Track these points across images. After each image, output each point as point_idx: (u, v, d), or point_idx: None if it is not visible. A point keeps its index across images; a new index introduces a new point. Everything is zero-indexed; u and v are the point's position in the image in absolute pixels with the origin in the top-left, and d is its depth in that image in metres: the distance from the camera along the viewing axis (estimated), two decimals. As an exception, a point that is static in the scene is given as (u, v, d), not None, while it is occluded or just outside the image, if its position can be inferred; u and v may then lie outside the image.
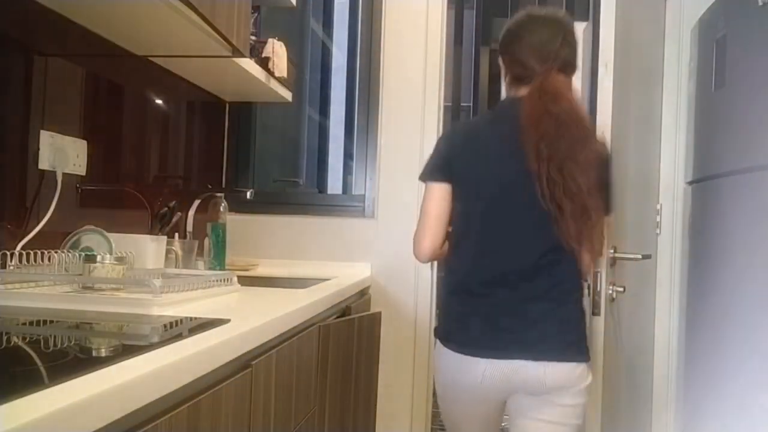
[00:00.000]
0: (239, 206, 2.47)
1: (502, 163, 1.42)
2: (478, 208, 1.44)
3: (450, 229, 1.51)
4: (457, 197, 1.47)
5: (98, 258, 1.29)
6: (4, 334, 0.96)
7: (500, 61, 1.53)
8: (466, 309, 1.44)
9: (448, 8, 2.56)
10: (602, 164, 1.40)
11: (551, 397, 1.39)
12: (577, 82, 3.70)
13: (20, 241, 1.38)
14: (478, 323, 1.42)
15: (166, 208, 1.85)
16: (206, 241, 2.05)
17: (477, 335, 1.41)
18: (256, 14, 2.22)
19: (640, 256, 1.86)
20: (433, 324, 2.42)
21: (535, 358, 1.37)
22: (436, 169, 1.48)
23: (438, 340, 1.49)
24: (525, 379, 1.38)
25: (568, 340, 1.40)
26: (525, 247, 1.40)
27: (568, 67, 1.45)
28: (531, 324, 1.39)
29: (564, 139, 1.33)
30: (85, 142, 1.61)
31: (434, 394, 2.67)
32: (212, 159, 2.53)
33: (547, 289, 1.40)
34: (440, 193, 1.47)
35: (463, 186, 1.46)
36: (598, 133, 1.47)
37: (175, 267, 1.87)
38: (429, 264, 2.42)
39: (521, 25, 1.47)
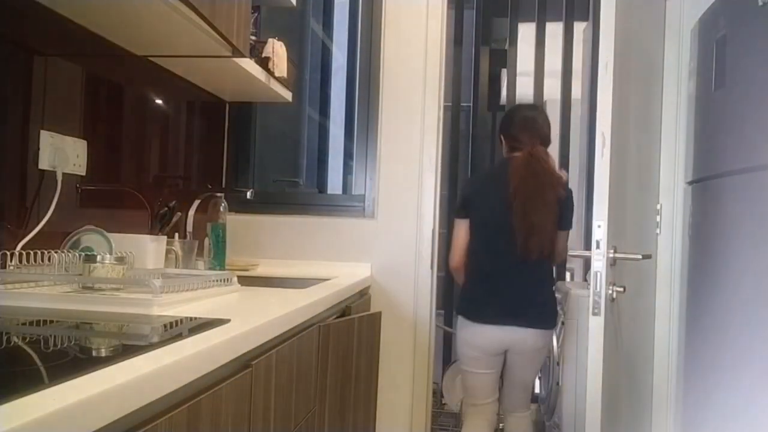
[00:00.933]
0: (239, 206, 2.47)
1: (498, 203, 2.16)
2: (485, 232, 2.23)
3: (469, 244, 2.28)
4: (472, 225, 2.25)
5: (98, 258, 1.29)
6: (4, 334, 0.96)
7: (500, 137, 2.33)
8: (479, 294, 2.22)
9: (448, 8, 2.56)
10: (561, 202, 2.16)
11: (529, 351, 2.21)
12: (577, 83, 3.70)
13: (20, 241, 1.38)
14: (487, 303, 2.19)
15: (166, 208, 1.85)
16: (206, 241, 2.05)
17: (486, 311, 2.19)
18: (256, 14, 2.22)
19: (640, 256, 1.86)
20: (434, 324, 2.53)
21: (521, 325, 2.15)
22: (460, 210, 2.30)
23: (459, 316, 2.28)
24: (513, 339, 2.18)
25: (543, 315, 2.20)
26: (515, 254, 2.13)
27: (546, 140, 2.25)
28: (520, 304, 2.16)
29: (533, 184, 2.12)
30: (85, 142, 1.61)
31: (434, 393, 2.68)
32: (212, 159, 2.53)
33: (530, 282, 2.18)
34: (463, 225, 2.27)
35: (475, 219, 2.25)
36: (563, 179, 2.24)
37: (175, 267, 1.87)
38: (429, 264, 2.44)
39: (515, 115, 2.31)
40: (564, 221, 2.21)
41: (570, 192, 2.24)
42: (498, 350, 2.24)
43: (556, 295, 2.63)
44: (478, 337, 2.21)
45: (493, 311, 2.17)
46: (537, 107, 2.49)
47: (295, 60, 2.43)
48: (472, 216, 2.26)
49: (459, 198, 2.38)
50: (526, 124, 2.23)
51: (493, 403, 2.36)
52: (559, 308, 2.58)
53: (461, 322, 2.26)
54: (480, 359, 2.25)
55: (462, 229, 2.28)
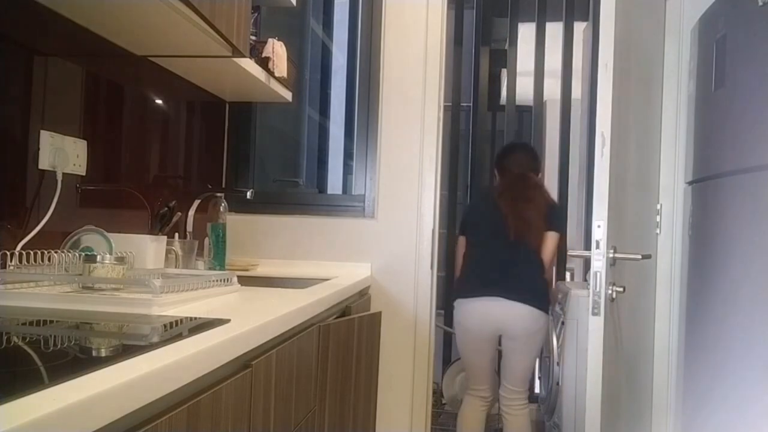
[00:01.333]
0: (239, 206, 2.47)
1: (490, 207, 2.52)
2: (480, 232, 2.54)
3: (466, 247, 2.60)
4: (468, 236, 2.58)
5: (98, 258, 1.29)
6: (4, 334, 0.96)
7: (495, 168, 2.70)
8: (473, 273, 2.46)
9: (448, 8, 2.56)
10: (549, 205, 2.51)
11: (523, 336, 2.37)
12: (577, 83, 3.69)
13: (20, 241, 1.38)
14: (480, 279, 2.43)
15: (166, 208, 1.85)
16: (206, 241, 2.05)
17: (478, 286, 2.42)
18: (256, 14, 2.22)
19: (640, 256, 1.86)
20: (434, 324, 2.53)
21: (513, 299, 2.34)
22: (461, 228, 2.66)
23: (455, 301, 2.48)
24: (506, 315, 2.35)
25: (534, 293, 2.37)
26: (507, 246, 2.42)
27: (534, 170, 2.63)
28: (511, 280, 2.36)
29: (521, 192, 2.49)
30: (85, 142, 1.61)
31: (434, 393, 2.68)
32: (212, 159, 2.53)
33: (521, 266, 2.39)
34: (462, 241, 2.60)
35: (472, 226, 2.59)
36: (550, 189, 2.67)
37: (175, 267, 1.87)
38: (429, 264, 2.44)
39: (507, 153, 2.69)
40: (551, 222, 2.46)
41: (559, 206, 2.66)
42: (492, 331, 2.42)
43: (557, 295, 2.64)
44: (471, 316, 2.40)
45: (485, 285, 2.38)
46: (527, 146, 2.93)
47: (295, 60, 2.43)
48: (469, 230, 2.58)
49: (462, 216, 2.78)
50: (516, 159, 2.63)
51: (491, 389, 2.55)
52: (559, 308, 2.58)
53: (456, 305, 2.47)
54: (474, 342, 2.45)
55: (462, 243, 2.60)
